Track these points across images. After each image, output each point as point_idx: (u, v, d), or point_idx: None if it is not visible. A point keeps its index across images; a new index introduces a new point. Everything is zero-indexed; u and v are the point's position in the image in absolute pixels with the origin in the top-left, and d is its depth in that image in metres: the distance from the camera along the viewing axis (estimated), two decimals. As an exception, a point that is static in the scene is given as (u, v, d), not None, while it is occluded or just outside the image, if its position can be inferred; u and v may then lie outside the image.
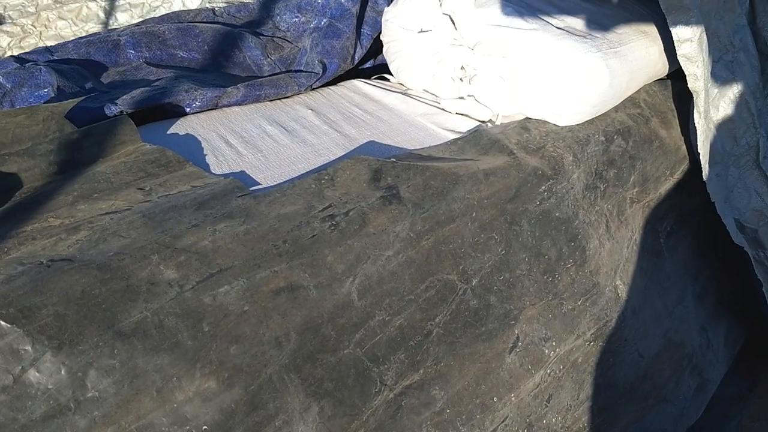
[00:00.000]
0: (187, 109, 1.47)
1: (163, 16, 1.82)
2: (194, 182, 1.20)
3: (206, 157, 1.32)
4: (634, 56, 1.54)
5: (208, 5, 2.01)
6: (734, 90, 1.76)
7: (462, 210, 1.29)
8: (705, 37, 1.47)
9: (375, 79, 1.78)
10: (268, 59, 1.75)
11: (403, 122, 1.52)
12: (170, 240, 1.04)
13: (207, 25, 1.75)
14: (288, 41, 1.85)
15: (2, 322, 0.86)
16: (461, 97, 1.55)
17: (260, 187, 1.24)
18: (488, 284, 1.28)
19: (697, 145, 1.60)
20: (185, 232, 1.06)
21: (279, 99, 1.59)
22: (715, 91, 1.74)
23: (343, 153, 1.38)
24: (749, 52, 1.87)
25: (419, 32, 1.62)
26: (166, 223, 1.08)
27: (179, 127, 1.41)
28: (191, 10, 1.89)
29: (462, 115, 1.54)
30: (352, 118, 1.52)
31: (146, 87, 1.44)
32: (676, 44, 1.47)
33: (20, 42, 2.60)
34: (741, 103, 1.82)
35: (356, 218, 1.18)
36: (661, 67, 1.67)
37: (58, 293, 0.92)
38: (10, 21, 2.55)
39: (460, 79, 1.54)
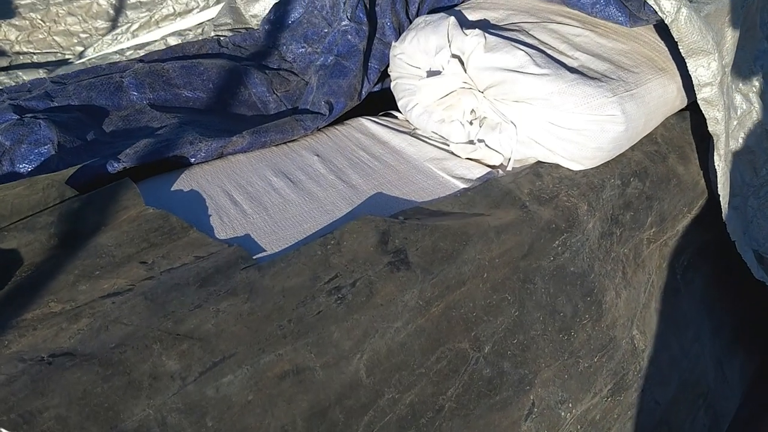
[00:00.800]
0: (192, 160, 1.44)
1: (167, 49, 1.78)
2: (198, 251, 1.17)
3: (211, 218, 1.29)
4: (651, 96, 1.48)
5: (213, 34, 1.96)
6: (754, 120, 1.70)
7: (473, 272, 1.25)
8: (726, 80, 1.41)
9: (382, 115, 1.73)
10: (274, 95, 1.71)
11: (411, 168, 1.48)
12: (172, 325, 1.02)
13: (211, 61, 1.71)
14: (294, 73, 1.80)
15: (3, 430, 0.85)
16: (471, 141, 1.50)
17: (265, 254, 1.21)
18: (501, 349, 1.24)
19: (716, 185, 1.54)
20: (188, 315, 1.04)
21: (284, 143, 1.55)
22: (735, 123, 1.68)
23: (350, 208, 1.34)
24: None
25: (428, 72, 1.57)
26: (168, 305, 1.05)
27: (183, 182, 1.38)
28: (196, 41, 1.85)
29: (472, 160, 1.49)
30: (359, 164, 1.48)
31: (149, 138, 1.41)
32: (696, 88, 1.42)
33: (28, 36, 2.59)
34: (762, 133, 1.76)
35: (363, 289, 1.14)
36: (680, 103, 1.61)
37: (60, 394, 0.90)
38: (19, 13, 2.53)
39: (470, 123, 1.49)
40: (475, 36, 1.45)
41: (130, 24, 2.51)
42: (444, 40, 1.51)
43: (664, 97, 1.52)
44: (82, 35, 2.61)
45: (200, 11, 2.45)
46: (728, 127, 1.46)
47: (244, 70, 1.72)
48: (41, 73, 2.31)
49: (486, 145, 1.47)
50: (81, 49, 2.57)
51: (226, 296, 1.08)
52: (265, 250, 1.22)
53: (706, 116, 1.44)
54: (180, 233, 1.21)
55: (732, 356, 1.86)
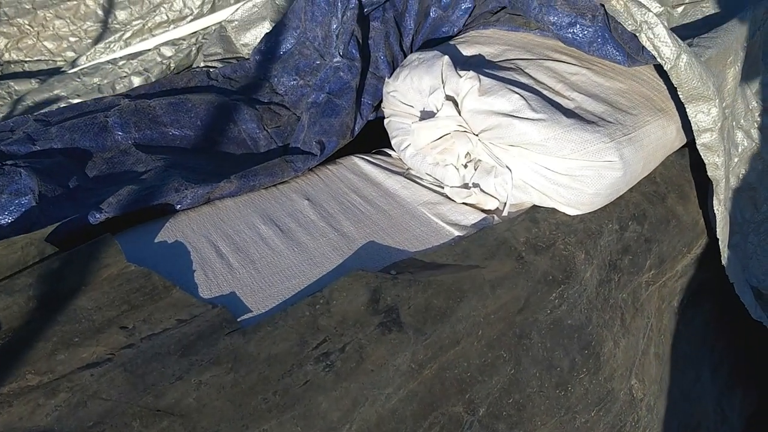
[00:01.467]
0: (177, 207, 1.39)
1: (154, 83, 1.74)
2: (180, 313, 1.13)
3: (195, 274, 1.25)
4: (650, 139, 1.44)
5: (202, 64, 1.92)
6: (756, 156, 1.66)
7: (467, 329, 1.21)
8: (726, 124, 1.37)
9: (375, 153, 1.69)
10: (264, 132, 1.67)
11: (404, 213, 1.44)
12: (153, 400, 0.98)
13: (200, 96, 1.67)
14: (285, 107, 1.76)
15: None
16: (466, 184, 1.46)
17: (251, 315, 1.16)
18: (497, 411, 1.21)
19: (715, 228, 1.50)
20: (169, 388, 1.00)
21: (274, 185, 1.51)
22: (735, 160, 1.65)
23: (341, 259, 1.30)
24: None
25: (422, 111, 1.53)
26: (148, 377, 1.01)
27: (167, 232, 1.34)
28: (185, 73, 1.80)
29: (467, 204, 1.45)
30: (351, 209, 1.44)
31: (133, 185, 1.36)
32: (695, 134, 1.38)
33: (17, 43, 2.55)
34: (763, 169, 1.73)
35: (353, 354, 1.10)
36: (679, 143, 1.58)
37: (33, 481, 0.86)
38: (6, 19, 2.49)
39: (464, 166, 1.45)
40: (469, 78, 1.41)
41: (122, 32, 2.47)
42: (438, 81, 1.47)
43: (663, 139, 1.48)
44: (72, 39, 2.57)
45: (194, 18, 2.41)
46: (728, 172, 1.43)
47: (233, 105, 1.68)
48: (33, 84, 2.27)
49: (481, 190, 1.43)
50: (72, 54, 2.53)
51: (209, 366, 1.04)
52: (251, 311, 1.18)
53: (706, 161, 1.40)
54: (162, 293, 1.17)
55: (731, 393, 1.83)
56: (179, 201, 1.39)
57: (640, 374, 1.48)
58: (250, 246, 1.32)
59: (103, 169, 1.45)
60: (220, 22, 2.05)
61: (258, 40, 1.95)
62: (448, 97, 1.46)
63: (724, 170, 1.40)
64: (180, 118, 1.60)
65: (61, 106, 1.60)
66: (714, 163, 1.39)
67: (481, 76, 1.43)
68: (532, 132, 1.35)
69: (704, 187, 1.67)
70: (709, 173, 1.41)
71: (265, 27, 1.97)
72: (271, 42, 1.87)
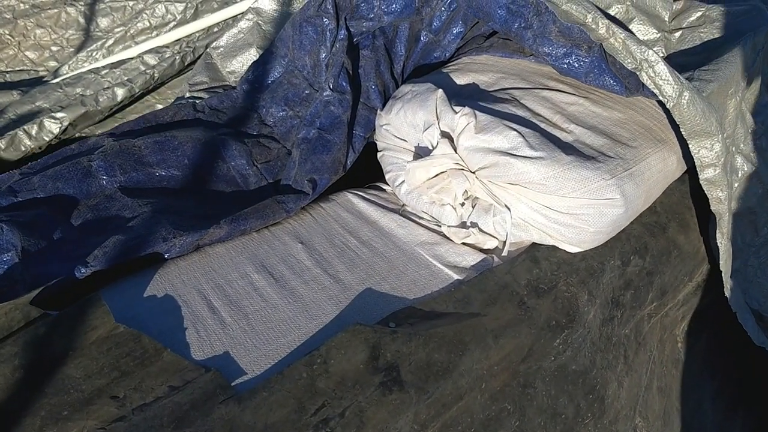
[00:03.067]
0: (166, 256, 1.35)
1: (139, 118, 1.68)
2: (172, 379, 1.09)
3: (186, 332, 1.20)
4: (651, 173, 1.41)
5: (187, 94, 1.86)
6: (755, 180, 1.63)
7: (470, 383, 1.18)
8: (729, 158, 1.34)
9: (368, 187, 1.65)
10: (254, 167, 1.62)
11: (401, 255, 1.39)
12: (147, 482, 0.94)
13: (187, 133, 1.61)
14: (275, 140, 1.71)
15: None
16: (464, 223, 1.42)
17: (246, 378, 1.12)
18: (501, 467, 1.17)
19: (718, 258, 1.47)
20: (164, 468, 0.96)
21: (266, 227, 1.46)
22: (736, 185, 1.62)
23: (338, 310, 1.26)
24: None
25: (416, 147, 1.49)
26: (142, 456, 0.97)
27: (156, 285, 1.29)
28: (170, 107, 1.75)
29: (466, 244, 1.42)
30: (346, 252, 1.40)
31: (119, 235, 1.32)
32: (698, 169, 1.34)
33: None
34: (763, 193, 1.70)
35: (353, 419, 1.06)
36: (679, 172, 1.54)
37: None
38: None
39: (461, 204, 1.41)
40: (465, 115, 1.37)
41: (105, 39, 2.41)
42: (432, 116, 1.43)
43: (664, 170, 1.45)
44: (54, 48, 2.53)
45: (177, 24, 2.35)
46: (731, 205, 1.39)
47: (221, 141, 1.63)
48: (15, 95, 2.21)
49: (480, 229, 1.39)
50: (54, 64, 2.48)
51: (205, 439, 1.00)
52: (246, 372, 1.13)
53: (709, 196, 1.37)
54: (153, 357, 1.12)
55: (732, 419, 1.81)
56: (167, 250, 1.34)
57: (644, 411, 1.46)
58: (243, 298, 1.28)
59: (88, 218, 1.39)
60: (205, 48, 1.99)
61: (244, 67, 1.90)
62: (444, 134, 1.42)
63: (727, 204, 1.37)
64: (166, 157, 1.55)
65: (45, 159, 1.52)
66: (717, 197, 1.36)
67: (477, 112, 1.39)
68: (531, 171, 1.31)
69: (705, 213, 1.64)
70: (712, 207, 1.38)
71: (252, 54, 1.91)
72: (258, 71, 1.81)
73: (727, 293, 1.51)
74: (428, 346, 1.17)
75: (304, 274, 1.34)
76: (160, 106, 2.17)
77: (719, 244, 1.43)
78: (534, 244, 1.41)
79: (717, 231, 1.41)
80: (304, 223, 1.48)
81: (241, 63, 1.91)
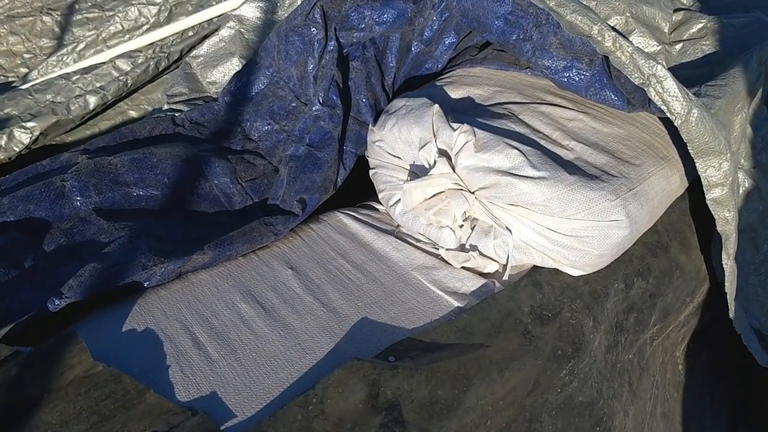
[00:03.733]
0: (146, 284, 1.26)
1: (115, 133, 1.59)
2: (157, 423, 1.00)
3: (170, 370, 1.12)
4: (654, 192, 1.35)
5: (165, 106, 1.77)
6: (755, 196, 1.59)
7: (475, 421, 1.11)
8: (735, 177, 1.29)
9: (360, 206, 1.57)
10: (238, 186, 1.53)
11: (397, 281, 1.32)
12: None
13: (166, 149, 1.52)
14: (260, 155, 1.63)
15: None
16: (462, 245, 1.35)
17: (236, 421, 1.04)
18: None
19: (722, 280, 1.43)
20: None
21: (252, 251, 1.38)
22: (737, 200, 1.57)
23: (332, 343, 1.18)
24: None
25: (411, 165, 1.42)
26: None
27: (137, 318, 1.20)
28: (147, 121, 1.65)
29: (465, 268, 1.35)
30: (339, 278, 1.32)
31: (96, 263, 1.22)
32: (705, 188, 1.29)
33: None
34: (764, 209, 1.66)
35: (354, 466, 0.99)
36: (682, 190, 1.49)
37: None
38: None
39: (460, 226, 1.35)
40: (463, 132, 1.30)
41: (76, 43, 2.31)
42: (428, 133, 1.36)
43: (667, 189, 1.40)
44: (26, 56, 2.44)
45: (150, 28, 2.26)
46: (737, 225, 1.35)
47: (203, 157, 1.54)
48: None
49: (480, 253, 1.33)
50: (25, 71, 2.37)
51: (194, 494, 0.91)
52: (235, 415, 1.05)
53: (715, 216, 1.32)
54: (135, 398, 1.03)
55: (734, 439, 1.77)
56: (147, 278, 1.25)
57: (650, 440, 1.40)
58: (230, 331, 1.19)
59: (61, 243, 1.30)
60: (182, 57, 1.90)
61: (226, 78, 1.81)
62: (441, 151, 1.35)
63: (734, 224, 1.32)
64: (144, 176, 1.46)
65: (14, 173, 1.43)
66: (724, 218, 1.31)
67: (476, 129, 1.32)
68: (534, 192, 1.25)
69: (704, 229, 1.60)
70: (718, 228, 1.33)
71: (234, 63, 1.82)
72: (241, 81, 1.73)
73: (731, 315, 1.46)
74: (431, 382, 1.10)
75: (296, 302, 1.26)
76: (133, 113, 2.08)
77: (725, 266, 1.38)
78: (535, 267, 1.35)
79: (723, 252, 1.36)
80: (293, 247, 1.40)
81: (223, 73, 1.83)
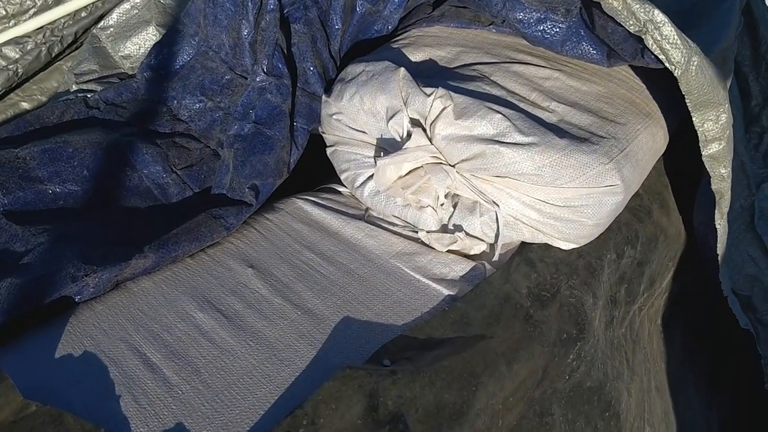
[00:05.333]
0: (77, 299, 1.04)
1: (18, 121, 1.33)
2: (114, 476, 0.80)
3: (122, 401, 0.91)
4: (643, 152, 1.25)
5: (74, 87, 1.51)
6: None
7: (487, 423, 0.97)
8: (732, 131, 1.20)
9: (320, 190, 1.39)
10: (173, 174, 1.32)
11: (376, 271, 1.16)
12: None
13: (82, 136, 1.28)
14: (194, 138, 1.41)
15: None
16: (445, 225, 1.21)
17: (214, 461, 0.85)
18: None
19: (715, 244, 1.35)
20: None
21: (202, 250, 1.18)
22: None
23: (314, 351, 1.01)
24: (736, 100, 1.65)
25: (379, 139, 1.25)
26: None
27: (71, 341, 0.98)
28: (55, 105, 1.40)
29: (451, 251, 1.20)
30: (309, 273, 1.14)
31: (13, 278, 0.99)
32: (701, 144, 1.20)
33: None
34: (737, 165, 1.61)
35: (363, 497, 0.83)
36: (665, 147, 1.40)
37: None
38: None
39: (441, 205, 1.19)
40: (440, 98, 1.14)
41: None
42: (397, 101, 1.19)
43: (654, 148, 1.30)
44: None
45: (38, 11, 1.96)
46: (732, 182, 1.26)
47: (127, 144, 1.31)
48: None
49: (466, 233, 1.18)
50: None
51: None
52: (211, 452, 0.86)
53: (711, 173, 1.23)
54: (83, 445, 0.83)
55: (712, 402, 1.73)
56: (79, 292, 1.03)
57: (650, 418, 1.32)
58: (188, 347, 1.00)
59: (-37, 256, 1.05)
60: (77, 40, 1.64)
61: (142, 51, 1.57)
62: (414, 121, 1.19)
63: (729, 181, 1.24)
64: (60, 169, 1.22)
65: None
66: (720, 175, 1.22)
67: (453, 93, 1.16)
68: (525, 160, 1.11)
69: (681, 190, 1.52)
70: (713, 186, 1.24)
71: (150, 33, 1.58)
72: (163, 54, 1.50)
73: (721, 277, 1.39)
74: (435, 385, 0.95)
75: (263, 306, 1.07)
76: (26, 105, 1.81)
77: (718, 226, 1.30)
78: (524, 244, 1.22)
79: (716, 211, 1.28)
80: (250, 241, 1.20)
81: (138, 45, 1.58)
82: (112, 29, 1.60)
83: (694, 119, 1.16)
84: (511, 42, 1.42)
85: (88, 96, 1.44)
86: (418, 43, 1.41)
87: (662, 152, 1.38)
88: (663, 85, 1.34)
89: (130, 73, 1.56)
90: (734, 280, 1.66)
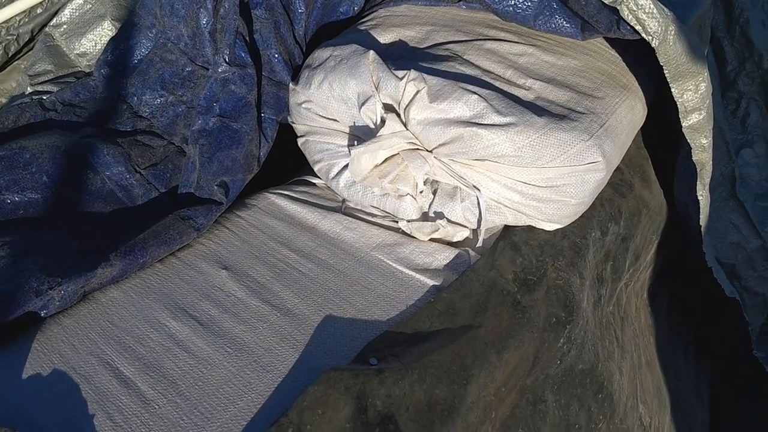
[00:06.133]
0: (43, 314, 0.98)
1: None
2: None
3: (96, 420, 0.86)
4: (622, 126, 1.22)
5: (29, 89, 1.44)
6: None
7: (480, 416, 0.94)
8: (712, 101, 1.18)
9: (293, 183, 1.34)
10: (137, 175, 1.26)
11: (357, 265, 1.11)
12: None
13: (39, 140, 1.22)
14: (157, 135, 1.35)
15: None
16: (425, 213, 1.17)
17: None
18: None
19: (697, 216, 1.33)
20: None
21: (172, 254, 1.13)
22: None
23: (296, 353, 0.97)
24: (712, 66, 1.62)
25: (352, 127, 1.20)
26: None
27: (39, 359, 0.93)
28: (9, 109, 1.33)
29: (433, 240, 1.16)
30: (287, 272, 1.10)
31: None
32: (681, 115, 1.17)
33: None
34: (716, 132, 1.58)
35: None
36: (644, 119, 1.36)
37: None
38: None
39: (420, 192, 1.15)
40: (412, 81, 1.10)
41: None
42: (368, 86, 1.14)
43: (633, 121, 1.27)
44: None
45: None
46: (714, 152, 1.24)
47: (87, 146, 1.25)
48: None
49: (448, 220, 1.14)
50: None
51: None
52: (193, 470, 0.82)
53: (692, 144, 1.20)
54: (56, 473, 0.78)
55: (700, 372, 1.72)
56: (44, 306, 0.98)
57: (643, 396, 1.30)
58: (163, 358, 0.95)
59: None
60: (34, 38, 1.56)
61: (98, 47, 1.50)
62: (387, 106, 1.14)
63: (710, 151, 1.21)
64: (18, 177, 1.15)
65: None
66: (701, 145, 1.19)
67: (426, 75, 1.12)
68: (504, 141, 1.08)
69: (661, 161, 1.50)
70: (694, 157, 1.22)
71: (106, 28, 1.51)
72: (119, 49, 1.43)
73: (704, 249, 1.37)
74: (425, 381, 0.92)
75: (239, 310, 1.02)
76: (-19, 109, 1.74)
77: (700, 197, 1.28)
78: (507, 227, 1.19)
79: (698, 182, 1.26)
80: (222, 242, 1.15)
81: (94, 42, 1.51)
82: (65, 26, 1.52)
83: (673, 90, 1.13)
84: (482, 18, 1.37)
85: (44, 98, 1.37)
86: (386, 24, 1.35)
87: (641, 124, 1.35)
88: (638, 52, 1.30)
89: (87, 71, 1.49)
90: (717, 248, 1.65)
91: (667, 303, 1.62)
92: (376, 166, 1.13)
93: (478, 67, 1.22)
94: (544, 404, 1.04)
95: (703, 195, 1.28)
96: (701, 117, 1.16)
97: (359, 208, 1.23)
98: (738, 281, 1.68)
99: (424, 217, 1.16)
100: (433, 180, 1.17)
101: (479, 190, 1.12)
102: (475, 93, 1.10)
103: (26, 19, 1.75)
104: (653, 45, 1.06)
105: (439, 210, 1.15)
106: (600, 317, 1.22)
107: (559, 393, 1.06)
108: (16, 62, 1.72)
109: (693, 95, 1.14)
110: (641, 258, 1.40)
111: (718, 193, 1.61)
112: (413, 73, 1.10)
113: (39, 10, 1.75)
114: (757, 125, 1.69)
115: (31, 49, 1.69)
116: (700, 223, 1.33)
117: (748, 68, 1.67)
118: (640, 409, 1.26)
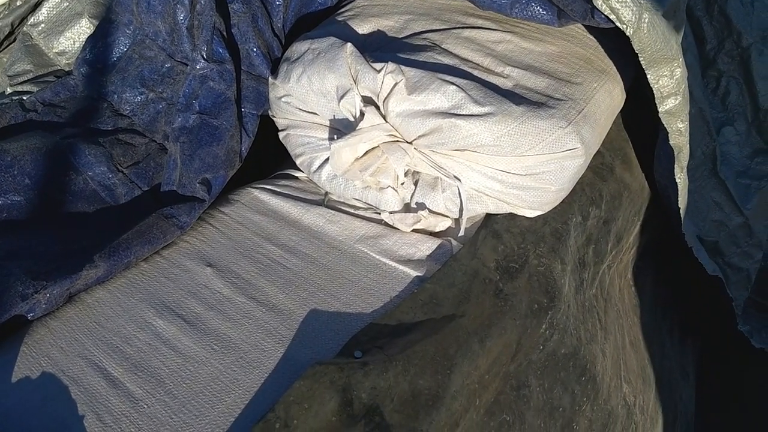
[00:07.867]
0: (29, 317, 0.99)
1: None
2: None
3: (86, 422, 0.88)
4: (601, 111, 1.23)
5: (9, 90, 1.43)
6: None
7: (464, 404, 0.96)
8: (687, 86, 1.18)
9: (275, 177, 1.34)
10: (120, 174, 1.26)
11: (341, 259, 1.13)
12: None
13: (21, 143, 1.21)
14: (139, 133, 1.35)
15: None
16: (407, 204, 1.18)
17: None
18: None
19: (675, 198, 1.34)
20: None
21: (157, 253, 1.13)
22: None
23: (282, 349, 0.98)
24: (691, 46, 1.63)
25: (332, 120, 1.20)
26: None
27: (27, 363, 0.94)
28: (-12, 109, 1.32)
29: (416, 230, 1.17)
30: (271, 268, 1.11)
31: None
32: (657, 101, 1.18)
33: None
34: (696, 112, 1.59)
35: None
36: (622, 103, 1.37)
37: None
38: None
39: (401, 184, 1.16)
40: (390, 73, 1.10)
41: None
42: (347, 79, 1.14)
43: (612, 106, 1.28)
44: None
45: None
46: (690, 137, 1.25)
47: (69, 146, 1.25)
48: None
49: (429, 211, 1.15)
50: None
51: None
52: (182, 467, 0.84)
53: (668, 129, 1.21)
54: (47, 477, 0.79)
55: (685, 352, 1.75)
56: (30, 309, 0.99)
57: (626, 375, 1.32)
58: (150, 357, 0.96)
59: None
60: (14, 31, 1.55)
61: (77, 45, 1.50)
62: (366, 99, 1.14)
63: (687, 135, 1.22)
64: (0, 180, 1.16)
65: None
66: (678, 129, 1.21)
67: (404, 67, 1.12)
68: (482, 131, 1.08)
69: (642, 143, 1.51)
70: (671, 141, 1.23)
71: (83, 26, 1.50)
72: (98, 47, 1.42)
73: (684, 229, 1.39)
74: (409, 372, 0.93)
75: (225, 307, 1.04)
76: (-34, 102, 1.72)
77: (678, 180, 1.29)
78: (489, 215, 1.20)
79: (676, 165, 1.27)
80: (206, 239, 1.16)
81: (72, 40, 1.50)
82: (43, 25, 1.51)
83: (648, 76, 1.14)
84: (459, 6, 1.37)
85: (24, 98, 1.37)
86: (364, 14, 1.35)
87: (620, 108, 1.36)
88: (615, 37, 1.31)
89: (67, 69, 1.49)
90: (700, 227, 1.67)
91: (651, 282, 1.64)
92: (357, 159, 1.14)
93: (456, 56, 1.22)
94: (527, 389, 1.06)
95: (681, 178, 1.29)
96: (677, 102, 1.17)
97: (342, 200, 1.24)
98: (721, 258, 1.69)
99: (406, 208, 1.18)
100: (414, 171, 1.18)
101: (460, 180, 1.13)
102: (453, 84, 1.11)
103: (6, 12, 1.73)
104: (627, 33, 1.07)
105: (421, 201, 1.16)
106: (582, 301, 1.24)
107: (543, 377, 1.08)
108: (-4, 62, 1.71)
109: (668, 81, 1.14)
110: (623, 240, 1.42)
111: (700, 172, 1.63)
112: (391, 66, 1.11)
113: (19, 2, 1.74)
114: (737, 103, 1.70)
115: (12, 42, 1.68)
116: (679, 206, 1.34)
117: (727, 47, 1.68)
118: (624, 389, 1.28)
